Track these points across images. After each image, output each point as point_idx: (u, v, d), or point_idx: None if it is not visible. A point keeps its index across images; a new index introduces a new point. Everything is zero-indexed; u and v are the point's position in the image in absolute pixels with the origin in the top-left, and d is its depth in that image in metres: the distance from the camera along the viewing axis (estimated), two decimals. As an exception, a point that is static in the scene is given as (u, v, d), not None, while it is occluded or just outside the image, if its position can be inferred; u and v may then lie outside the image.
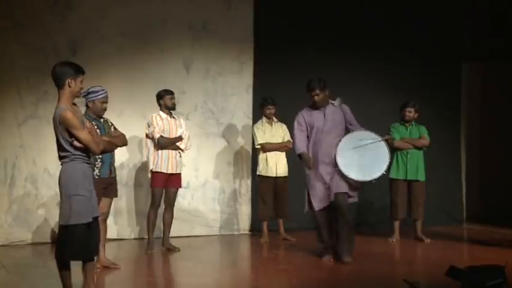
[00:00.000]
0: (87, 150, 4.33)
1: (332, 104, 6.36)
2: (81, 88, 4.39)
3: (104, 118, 5.84)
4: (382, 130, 7.84)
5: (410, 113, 7.70)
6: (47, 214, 7.27)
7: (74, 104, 4.39)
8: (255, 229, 8.20)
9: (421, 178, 7.69)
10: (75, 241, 4.29)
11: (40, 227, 7.27)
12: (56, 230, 7.26)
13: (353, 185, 6.18)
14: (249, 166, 8.36)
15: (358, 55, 8.87)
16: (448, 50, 9.47)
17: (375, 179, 6.12)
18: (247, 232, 8.34)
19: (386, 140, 6.24)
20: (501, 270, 4.63)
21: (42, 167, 7.29)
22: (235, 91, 8.35)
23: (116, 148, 5.62)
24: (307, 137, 6.33)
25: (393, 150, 7.69)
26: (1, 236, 7.13)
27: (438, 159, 8.89)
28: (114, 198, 6.06)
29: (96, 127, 5.35)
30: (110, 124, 5.90)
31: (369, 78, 8.96)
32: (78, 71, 4.32)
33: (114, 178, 5.95)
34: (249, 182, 8.38)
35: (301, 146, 6.31)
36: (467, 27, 9.64)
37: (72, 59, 7.28)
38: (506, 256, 5.94)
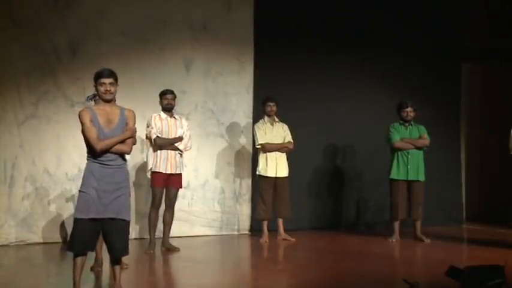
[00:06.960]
0: (91, 148, 4.55)
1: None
2: (107, 90, 4.57)
3: None
4: (381, 129, 7.89)
5: (411, 112, 7.70)
6: (47, 214, 7.26)
7: (108, 101, 4.61)
8: (255, 229, 8.20)
9: (421, 178, 7.69)
10: (73, 234, 4.57)
11: (40, 227, 7.26)
12: (56, 230, 7.33)
13: None
14: (250, 166, 8.35)
15: (358, 55, 8.88)
16: (447, 50, 9.48)
17: None
18: (247, 232, 8.33)
19: None
20: (501, 270, 4.63)
21: (42, 167, 7.28)
22: (236, 91, 8.34)
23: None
24: None
25: (394, 150, 7.72)
26: (1, 236, 7.12)
27: (438, 159, 8.89)
28: None
29: None
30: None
31: (369, 78, 8.97)
32: (97, 76, 4.62)
33: None
34: (249, 182, 8.37)
35: None
36: (467, 28, 9.65)
37: (71, 59, 7.39)
38: (506, 256, 5.95)
